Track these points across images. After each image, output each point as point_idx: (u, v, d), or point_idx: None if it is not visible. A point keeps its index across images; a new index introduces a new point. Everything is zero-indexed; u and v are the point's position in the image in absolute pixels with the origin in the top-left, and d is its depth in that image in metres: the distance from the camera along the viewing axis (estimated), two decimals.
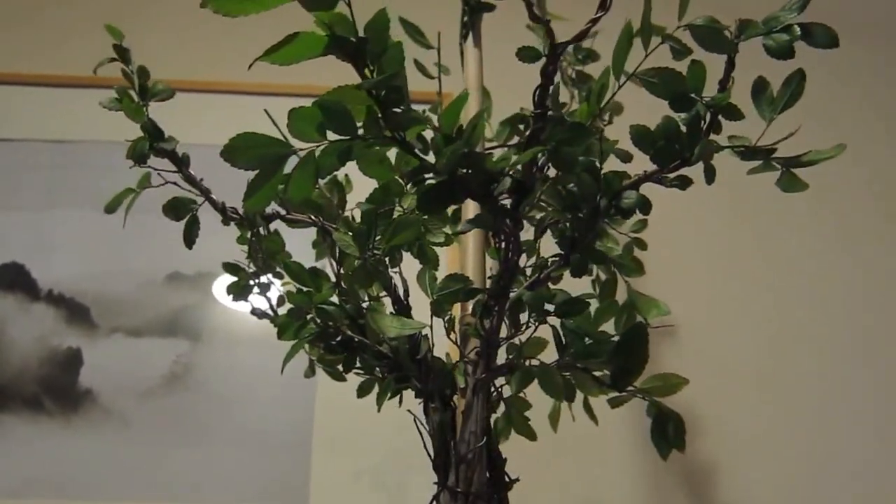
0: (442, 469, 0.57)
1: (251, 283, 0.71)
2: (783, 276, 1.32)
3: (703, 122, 0.50)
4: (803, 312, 1.30)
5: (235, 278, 0.71)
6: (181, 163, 0.67)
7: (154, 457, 1.10)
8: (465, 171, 0.46)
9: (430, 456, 0.60)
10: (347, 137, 0.44)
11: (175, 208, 0.67)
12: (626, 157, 0.56)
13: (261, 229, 0.69)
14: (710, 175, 0.52)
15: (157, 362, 1.15)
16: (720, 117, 0.50)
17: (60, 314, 1.17)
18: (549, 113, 0.50)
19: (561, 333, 0.57)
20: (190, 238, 0.68)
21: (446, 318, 0.61)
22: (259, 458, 1.11)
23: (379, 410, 0.64)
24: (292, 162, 0.45)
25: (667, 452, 0.57)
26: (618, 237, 0.77)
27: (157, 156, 0.65)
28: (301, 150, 0.44)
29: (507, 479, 0.58)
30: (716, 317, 1.29)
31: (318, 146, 0.44)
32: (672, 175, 0.52)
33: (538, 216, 0.65)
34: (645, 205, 0.52)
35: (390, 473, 1.11)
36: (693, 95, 0.50)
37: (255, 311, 0.74)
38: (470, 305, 0.61)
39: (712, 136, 0.51)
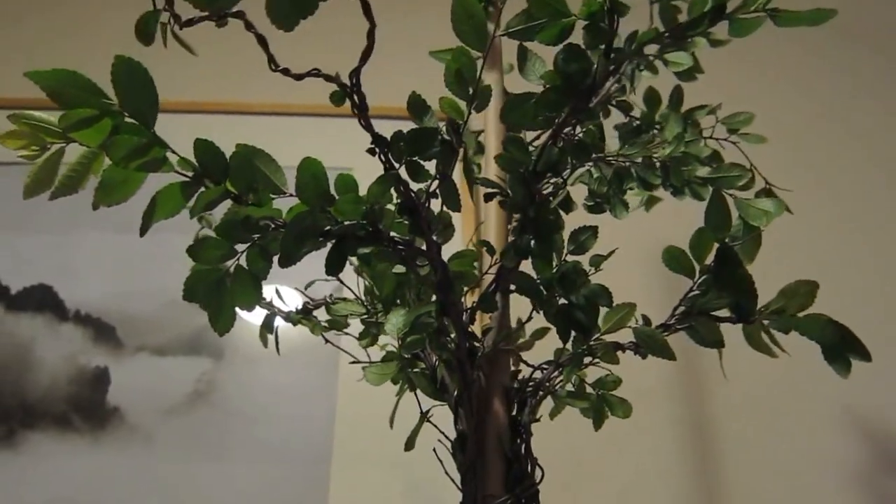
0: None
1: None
2: None
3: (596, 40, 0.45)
4: None
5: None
6: None
7: (179, 473, 1.12)
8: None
9: (446, 473, 0.59)
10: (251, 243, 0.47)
11: (267, 325, 0.72)
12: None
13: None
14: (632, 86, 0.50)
15: (181, 380, 1.17)
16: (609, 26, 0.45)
17: (88, 334, 1.20)
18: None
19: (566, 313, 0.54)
20: (276, 344, 0.73)
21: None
22: (280, 473, 1.13)
23: (407, 449, 0.65)
24: None
25: (847, 369, 0.50)
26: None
27: None
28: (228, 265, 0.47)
29: (533, 484, 0.55)
30: None
31: (237, 260, 0.48)
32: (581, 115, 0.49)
33: None
34: (559, 163, 0.51)
35: (411, 489, 1.12)
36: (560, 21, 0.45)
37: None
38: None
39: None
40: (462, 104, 0.50)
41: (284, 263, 0.46)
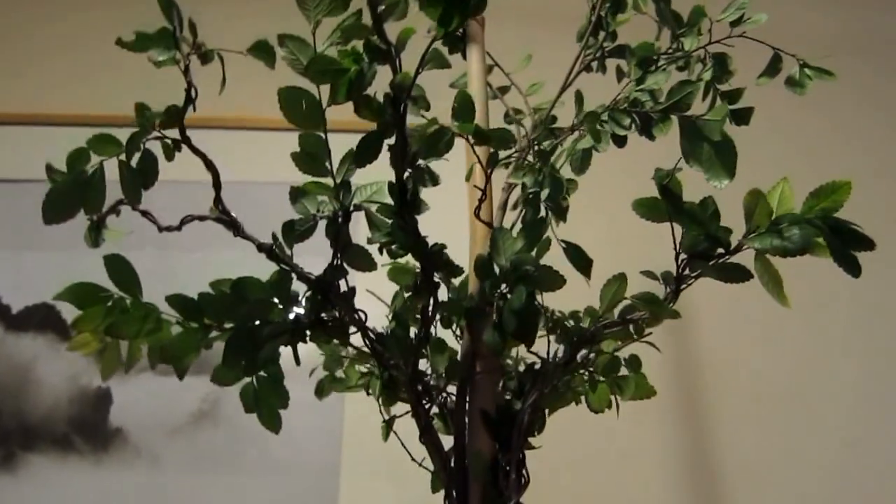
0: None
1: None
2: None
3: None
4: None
5: None
6: None
7: (183, 493, 1.10)
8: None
9: None
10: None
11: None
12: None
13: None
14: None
15: (185, 400, 1.15)
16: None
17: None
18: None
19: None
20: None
21: None
22: (287, 491, 1.11)
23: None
24: None
25: (856, 267, 0.46)
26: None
27: None
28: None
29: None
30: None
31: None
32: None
33: None
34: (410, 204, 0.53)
35: (419, 502, 1.10)
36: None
37: None
38: None
39: None
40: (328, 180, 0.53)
41: (247, 375, 0.53)
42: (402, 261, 0.59)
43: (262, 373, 0.55)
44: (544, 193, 0.56)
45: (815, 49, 0.62)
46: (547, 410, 0.61)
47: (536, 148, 0.60)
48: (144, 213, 0.52)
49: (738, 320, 1.26)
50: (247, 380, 0.55)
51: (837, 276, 1.32)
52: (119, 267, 0.51)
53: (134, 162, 0.49)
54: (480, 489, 0.53)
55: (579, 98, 0.63)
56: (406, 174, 0.49)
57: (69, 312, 1.20)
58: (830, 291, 1.29)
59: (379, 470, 1.11)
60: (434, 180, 0.51)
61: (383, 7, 0.42)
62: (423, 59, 0.44)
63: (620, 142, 0.58)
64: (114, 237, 0.52)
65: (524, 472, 0.55)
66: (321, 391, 0.72)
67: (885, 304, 1.30)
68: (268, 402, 0.56)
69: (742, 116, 0.61)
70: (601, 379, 0.61)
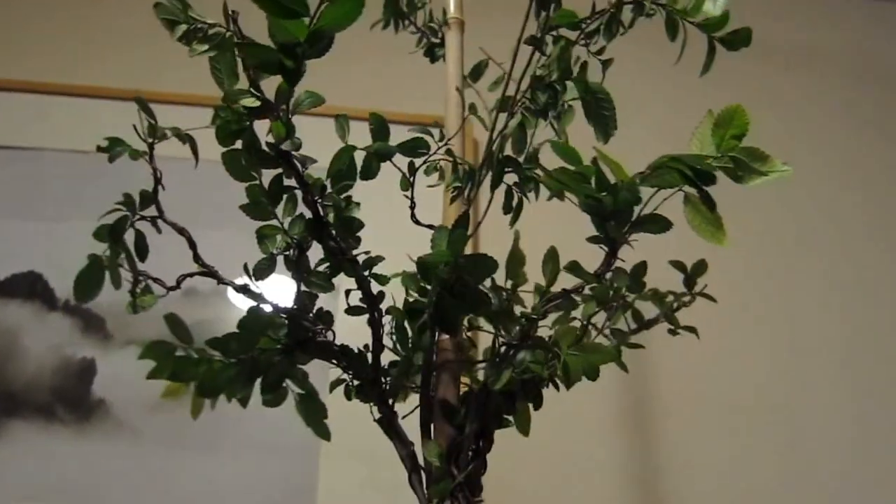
0: None
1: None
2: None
3: None
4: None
5: None
6: None
7: (164, 466, 1.11)
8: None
9: None
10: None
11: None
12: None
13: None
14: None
15: None
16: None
17: (76, 324, 1.18)
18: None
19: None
20: None
21: None
22: (268, 467, 1.12)
23: None
24: None
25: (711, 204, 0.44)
26: None
27: None
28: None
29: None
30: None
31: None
32: None
33: None
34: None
35: (397, 483, 1.11)
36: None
37: None
38: None
39: None
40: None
41: (266, 395, 0.59)
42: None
43: (300, 390, 0.62)
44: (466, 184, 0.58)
45: None
46: (562, 380, 0.58)
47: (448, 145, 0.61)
48: (156, 280, 0.61)
49: (701, 331, 1.27)
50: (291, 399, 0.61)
51: (805, 284, 1.33)
52: (177, 324, 0.59)
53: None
54: (435, 472, 0.56)
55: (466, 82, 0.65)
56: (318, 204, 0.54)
57: (56, 280, 1.22)
58: (797, 298, 1.31)
59: (357, 451, 1.12)
60: (342, 210, 0.57)
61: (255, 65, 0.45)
62: (288, 104, 0.47)
63: (545, 115, 0.59)
64: (148, 303, 0.62)
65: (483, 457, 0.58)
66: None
67: (854, 311, 1.32)
68: (311, 414, 0.62)
69: (732, 41, 0.55)
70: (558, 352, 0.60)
